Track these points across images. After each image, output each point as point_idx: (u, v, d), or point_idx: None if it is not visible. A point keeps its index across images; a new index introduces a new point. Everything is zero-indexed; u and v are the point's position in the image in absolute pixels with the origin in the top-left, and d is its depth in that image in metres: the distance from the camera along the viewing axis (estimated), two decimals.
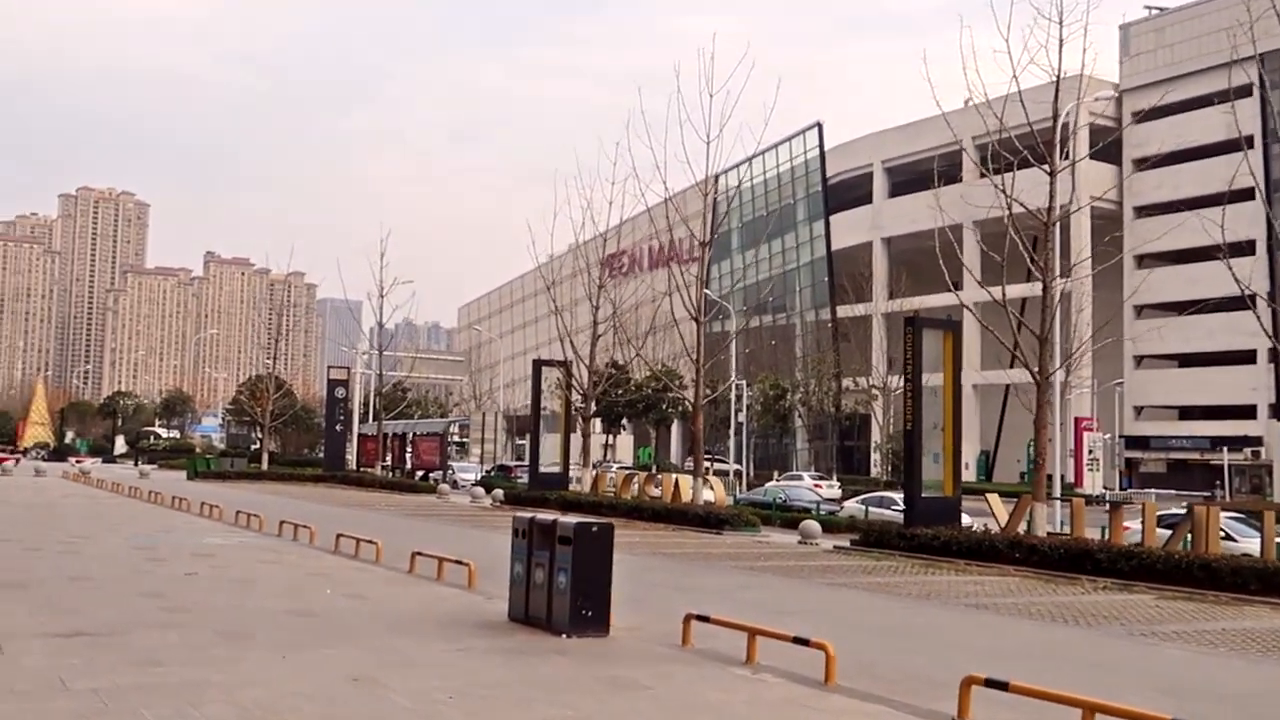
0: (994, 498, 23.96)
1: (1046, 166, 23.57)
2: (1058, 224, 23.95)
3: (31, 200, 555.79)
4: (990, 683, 7.93)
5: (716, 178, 31.89)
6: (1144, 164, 64.29)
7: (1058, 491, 57.84)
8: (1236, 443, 67.19)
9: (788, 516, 34.51)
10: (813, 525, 27.07)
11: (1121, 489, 64.31)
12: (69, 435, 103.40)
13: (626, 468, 61.64)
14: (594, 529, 11.45)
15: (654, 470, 64.77)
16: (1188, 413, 75.32)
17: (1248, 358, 70.13)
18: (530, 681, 9.06)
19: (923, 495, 23.76)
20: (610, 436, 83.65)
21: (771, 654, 10.13)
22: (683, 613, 13.12)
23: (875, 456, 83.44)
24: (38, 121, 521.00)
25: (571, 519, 11.85)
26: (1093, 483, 63.98)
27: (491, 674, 9.31)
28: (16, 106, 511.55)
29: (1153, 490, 62.67)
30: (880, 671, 10.08)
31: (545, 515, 12.24)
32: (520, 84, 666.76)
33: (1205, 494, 59.39)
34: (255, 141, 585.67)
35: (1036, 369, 22.45)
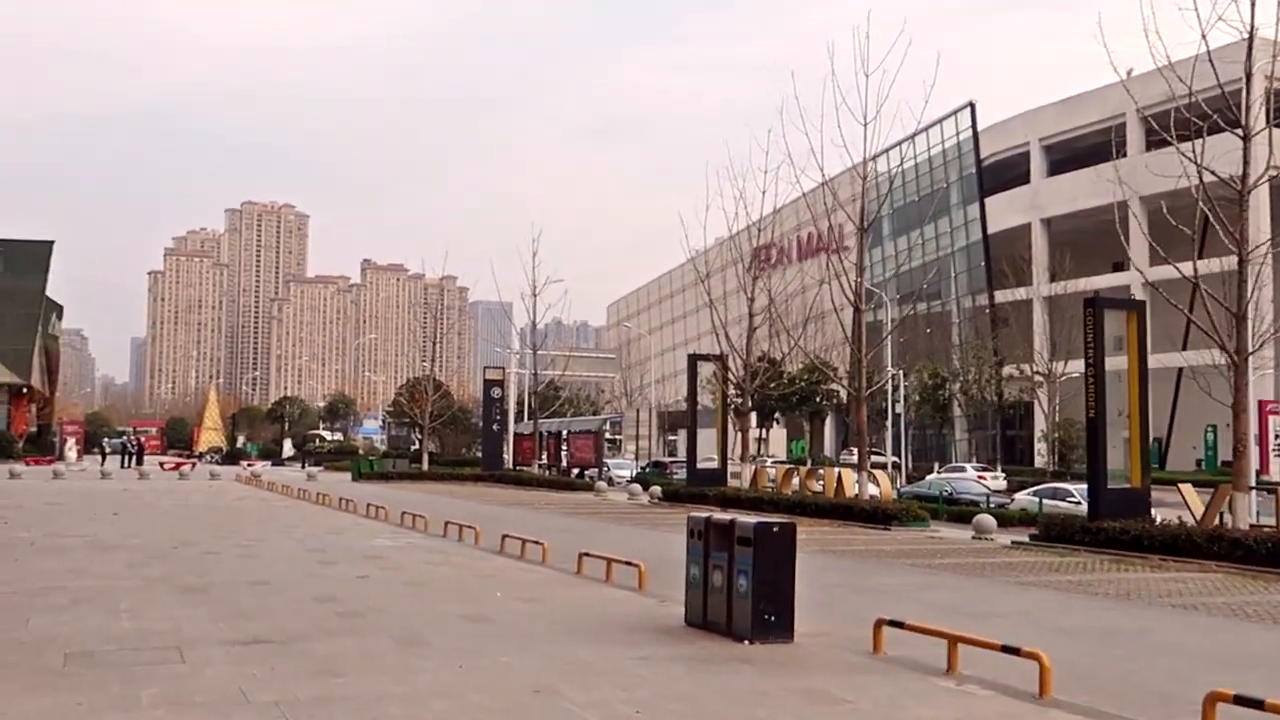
0: (1187, 488, 22.43)
1: (1234, 132, 21.93)
2: (1249, 194, 22.19)
3: (201, 215, 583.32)
4: (1241, 700, 7.04)
5: (866, 164, 30.75)
6: None
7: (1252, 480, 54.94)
8: None
9: (955, 510, 33.28)
10: (987, 520, 25.91)
11: None
12: (240, 439, 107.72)
13: (781, 462, 60.75)
14: (775, 529, 10.87)
15: (809, 464, 63.74)
16: None
17: None
18: (718, 693, 8.54)
19: (1108, 486, 22.42)
20: (763, 431, 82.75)
21: (972, 662, 9.39)
22: (868, 616, 12.44)
23: (1039, 446, 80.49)
24: (202, 140, 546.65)
25: (750, 518, 11.28)
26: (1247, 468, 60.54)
27: (676, 685, 8.82)
28: (180, 125, 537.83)
29: None
30: (1098, 683, 9.23)
31: (722, 515, 11.71)
32: (665, 79, 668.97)
33: None
34: (404, 150, 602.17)
35: (1234, 348, 20.88)
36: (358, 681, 8.69)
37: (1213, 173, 21.94)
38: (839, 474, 31.96)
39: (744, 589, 10.79)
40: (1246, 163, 20.92)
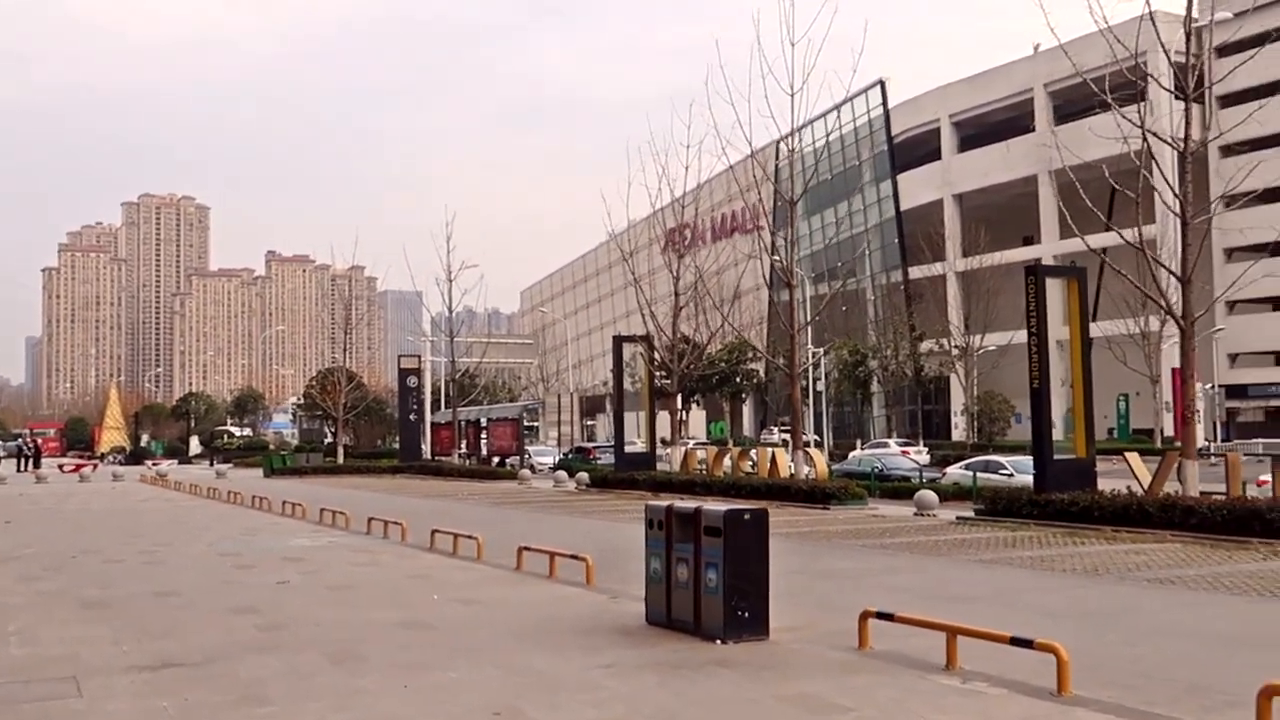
0: (1134, 457, 22.03)
1: (1175, 94, 21.55)
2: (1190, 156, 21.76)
3: (96, 209, 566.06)
4: None
5: (795, 134, 29.99)
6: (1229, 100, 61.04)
7: (1159, 445, 55.50)
8: None
9: (887, 487, 32.74)
10: (929, 496, 25.34)
11: (1224, 440, 61.43)
12: (144, 438, 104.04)
13: (702, 443, 59.98)
14: (746, 516, 9.90)
15: (730, 445, 63.16)
16: None
17: None
18: (701, 705, 7.54)
19: (1055, 458, 21.94)
20: (683, 412, 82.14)
21: (971, 655, 8.54)
22: (840, 605, 11.63)
23: (957, 420, 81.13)
24: (98, 133, 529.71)
25: (719, 506, 10.30)
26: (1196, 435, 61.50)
27: (652, 697, 7.79)
28: (76, 120, 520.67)
29: (1258, 440, 59.80)
30: (1111, 674, 8.42)
31: (685, 503, 10.71)
32: (580, 65, 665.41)
33: None
34: (310, 141, 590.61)
35: (1180, 314, 20.46)
36: (289, 710, 7.53)
37: (1155, 135, 21.50)
38: (773, 454, 31.19)
39: (714, 583, 9.80)
40: (1189, 123, 20.48)
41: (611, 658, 9.12)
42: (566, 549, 15.13)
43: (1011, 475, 32.41)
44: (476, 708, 7.52)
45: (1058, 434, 70.38)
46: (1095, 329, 73.82)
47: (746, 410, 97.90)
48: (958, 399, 79.51)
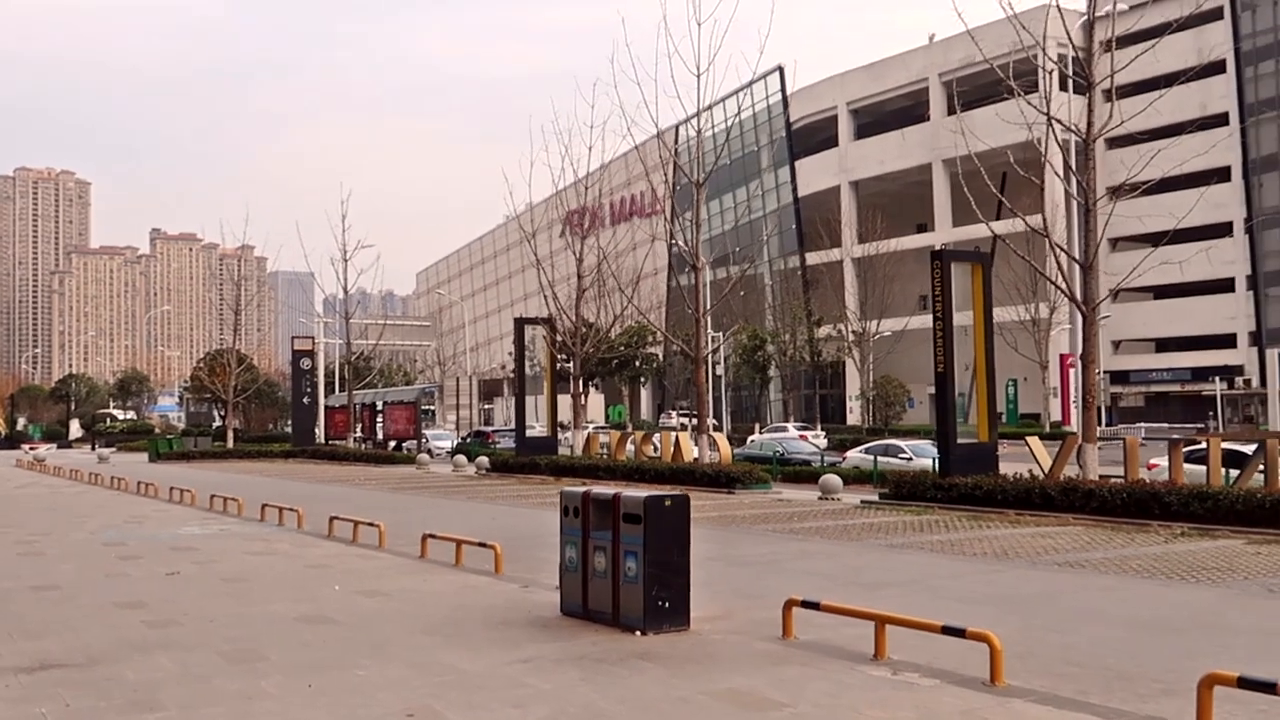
0: (1035, 441, 22.26)
1: (1078, 78, 21.80)
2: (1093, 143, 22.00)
3: None
4: (1247, 683, 6.10)
5: (701, 114, 29.72)
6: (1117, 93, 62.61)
7: (1047, 429, 56.80)
8: (1215, 372, 66.31)
9: (788, 471, 32.82)
10: (834, 480, 25.39)
11: (1107, 424, 63.21)
12: (20, 422, 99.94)
13: (601, 427, 59.69)
14: (667, 503, 9.55)
15: (629, 429, 62.95)
16: (1165, 345, 74.46)
17: (1225, 286, 69.19)
18: (629, 704, 7.17)
19: (958, 442, 22.09)
20: (583, 396, 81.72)
21: (898, 644, 8.34)
22: (756, 593, 11.41)
23: (851, 404, 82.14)
24: None
25: (638, 492, 9.92)
26: (1078, 421, 63.08)
27: (576, 695, 7.40)
28: None
29: (1141, 425, 61.66)
30: (1041, 662, 8.27)
31: (602, 489, 10.32)
32: (469, 44, 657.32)
33: (1197, 425, 58.44)
34: (195, 115, 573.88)
35: (1081, 298, 20.70)
36: (184, 717, 6.96)
37: (1062, 123, 21.71)
38: (676, 438, 30.99)
39: (633, 572, 9.44)
40: (1091, 110, 20.68)
41: (529, 652, 8.70)
42: (472, 536, 14.67)
43: (910, 459, 32.74)
44: (389, 710, 7.05)
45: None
46: (995, 314, 75.52)
47: (645, 394, 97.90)
48: (853, 384, 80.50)
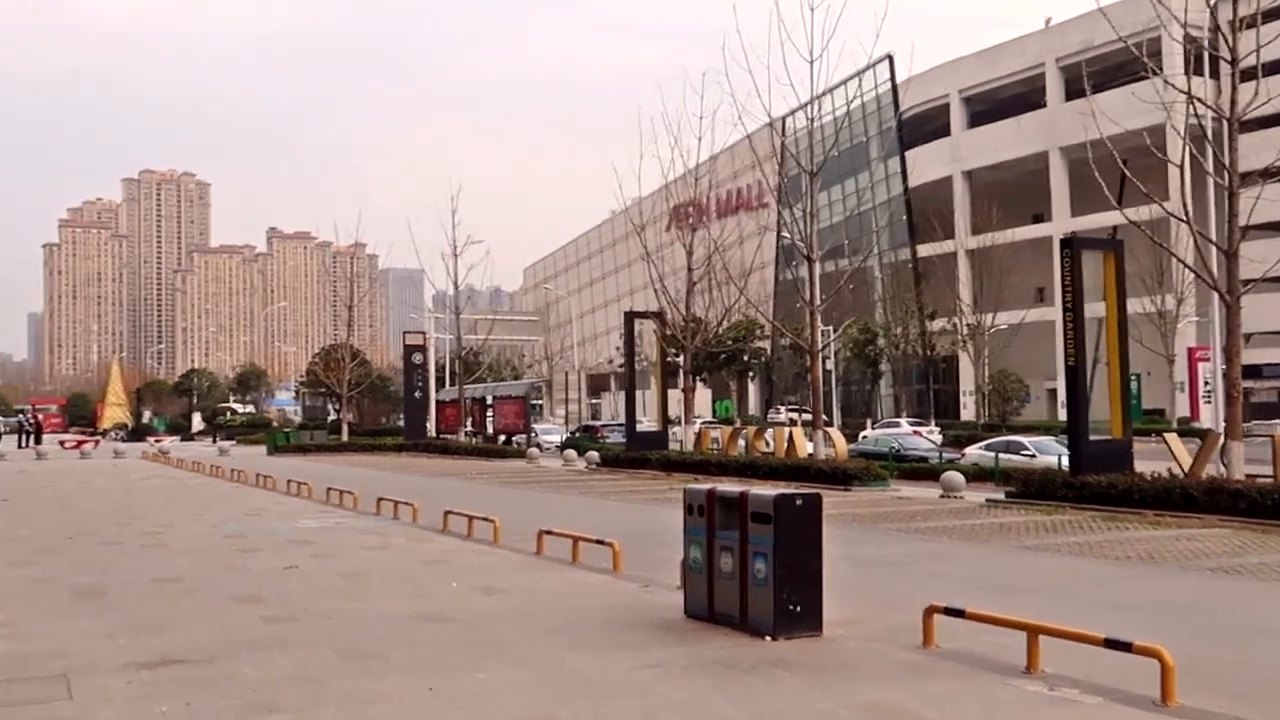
0: (1173, 438, 21.19)
1: (1222, 57, 20.63)
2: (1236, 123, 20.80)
3: (96, 186, 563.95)
4: None
5: (814, 102, 29.05)
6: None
7: (1173, 425, 54.59)
8: None
9: (905, 467, 31.98)
10: (957, 478, 24.53)
11: (1248, 420, 60.36)
12: (146, 415, 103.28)
13: (709, 422, 59.18)
14: (798, 502, 9.06)
15: (736, 424, 62.26)
16: None
17: None
18: (767, 717, 6.71)
19: (1090, 439, 21.10)
20: (670, 392, 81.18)
21: (1049, 656, 7.73)
22: (890, 596, 10.86)
23: (965, 399, 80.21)
24: (98, 109, 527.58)
25: (767, 490, 9.45)
26: (1210, 416, 60.42)
27: (710, 706, 6.97)
28: (77, 96, 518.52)
29: (1276, 421, 58.88)
30: (1215, 680, 7.59)
31: (728, 487, 9.87)
32: (577, 42, 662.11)
33: None
34: (309, 116, 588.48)
35: (1225, 288, 19.57)
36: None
37: (1200, 101, 20.57)
38: (790, 433, 30.35)
39: (762, 574, 8.97)
40: (1235, 89, 19.52)
41: (656, 656, 8.30)
42: (587, 532, 14.36)
43: (1034, 456, 31.66)
44: (514, 718, 6.71)
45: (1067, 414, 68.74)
46: (1101, 309, 73.00)
47: (752, 389, 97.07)
48: (967, 378, 78.64)
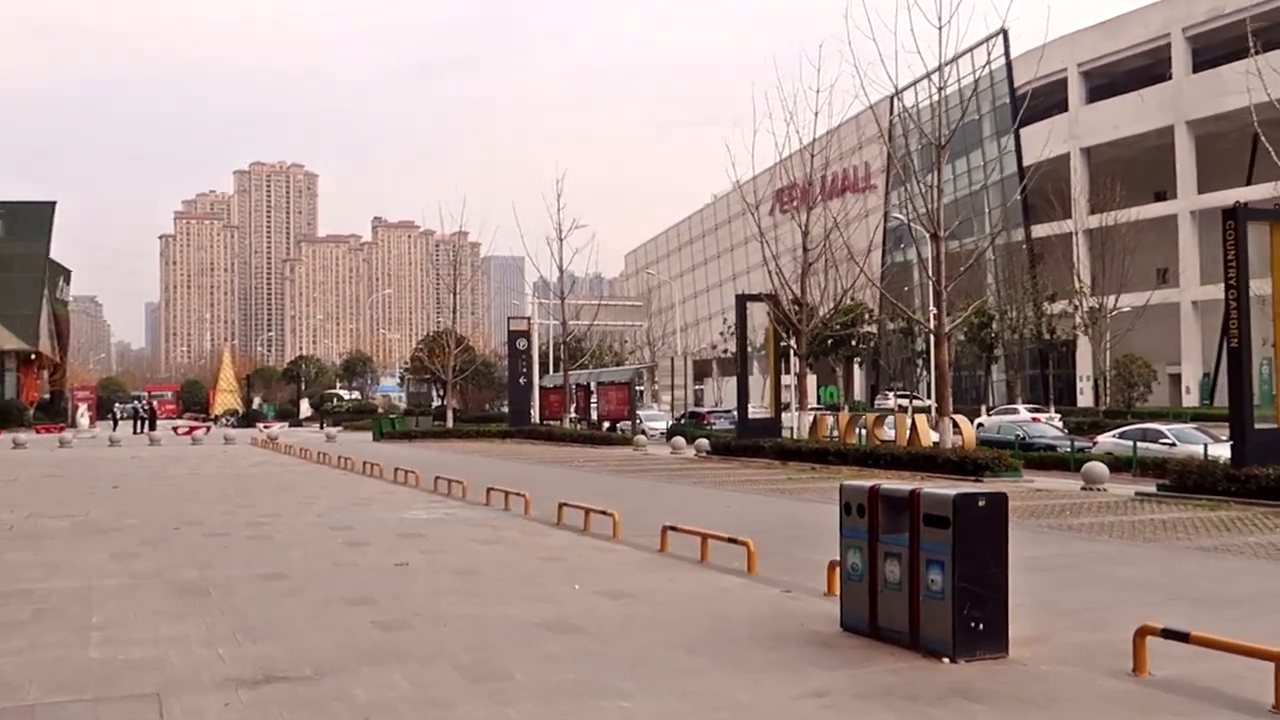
0: None
1: None
2: None
3: (210, 178, 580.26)
4: None
5: (942, 69, 27.48)
6: None
7: None
8: None
9: (1032, 456, 30.26)
10: (1099, 468, 22.88)
11: None
12: (256, 401, 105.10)
13: (815, 408, 57.65)
14: (981, 503, 7.85)
15: (843, 409, 60.60)
16: None
17: None
18: None
19: (1256, 428, 19.35)
20: (783, 377, 79.61)
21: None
22: (1066, 606, 9.60)
23: (1082, 385, 77.19)
24: (208, 103, 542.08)
25: (943, 489, 8.24)
26: None
27: None
28: (188, 91, 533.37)
29: None
30: None
31: (895, 484, 8.67)
32: (676, 27, 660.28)
33: None
34: (409, 108, 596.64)
35: None
36: None
37: None
38: (913, 420, 28.92)
39: (938, 586, 7.79)
40: None
41: (819, 682, 7.18)
42: (711, 527, 13.36)
43: (1174, 445, 29.72)
44: None
45: (1192, 400, 65.71)
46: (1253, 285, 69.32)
47: (857, 374, 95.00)
48: (1084, 363, 75.64)
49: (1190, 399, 71.40)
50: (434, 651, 8.15)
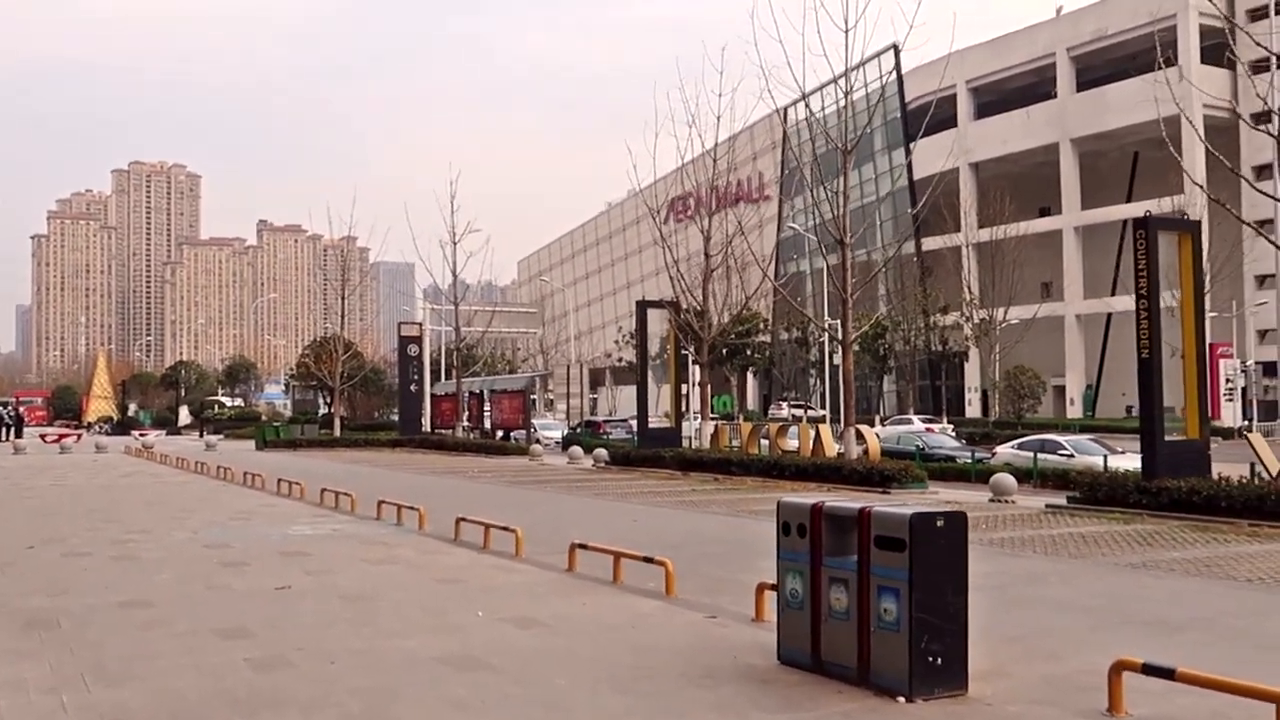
0: (1258, 439, 19.32)
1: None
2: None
3: (85, 177, 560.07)
4: None
5: (848, 75, 27.11)
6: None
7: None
8: None
9: (933, 468, 30.05)
10: (1008, 480, 22.56)
11: (1260, 420, 58.67)
12: (132, 408, 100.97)
13: (712, 417, 57.17)
14: (939, 523, 7.07)
15: (738, 420, 60.34)
16: None
17: None
18: None
19: (1166, 439, 19.16)
20: (682, 386, 79.22)
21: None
22: (1007, 631, 8.90)
23: (971, 396, 78.33)
24: (83, 102, 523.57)
25: (896, 508, 7.43)
26: (1231, 415, 58.61)
27: None
28: (63, 89, 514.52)
29: None
30: None
31: (841, 501, 7.85)
32: (570, 39, 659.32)
33: None
34: (299, 111, 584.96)
35: None
36: None
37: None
38: (817, 430, 28.42)
39: (892, 617, 6.98)
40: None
41: None
42: (616, 541, 12.59)
43: (1072, 456, 29.81)
44: None
45: (1075, 412, 66.78)
46: (1106, 305, 70.77)
47: (750, 384, 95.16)
48: (972, 374, 76.78)
49: (1074, 410, 72.98)
50: (318, 696, 7.06)
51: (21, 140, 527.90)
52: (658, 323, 38.66)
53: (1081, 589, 11.52)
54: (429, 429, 54.34)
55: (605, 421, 55.30)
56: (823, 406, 67.94)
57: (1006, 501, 21.61)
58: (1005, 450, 33.02)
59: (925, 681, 6.90)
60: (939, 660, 6.94)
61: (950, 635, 6.99)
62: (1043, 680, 7.41)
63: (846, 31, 25.50)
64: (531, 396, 72.08)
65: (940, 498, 22.97)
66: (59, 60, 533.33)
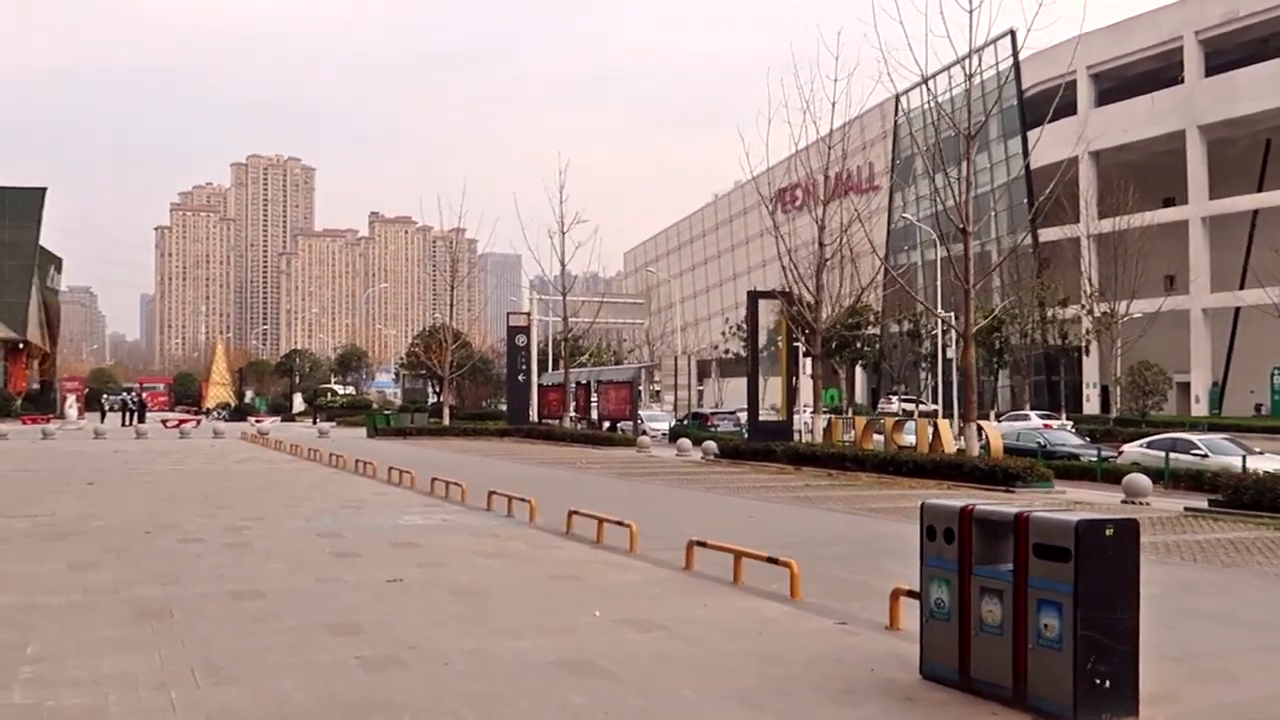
0: None
1: None
2: None
3: (205, 170, 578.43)
4: None
5: (971, 56, 26.10)
6: None
7: None
8: None
9: (1056, 466, 28.80)
10: (1143, 480, 21.44)
11: None
12: (248, 394, 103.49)
13: (827, 410, 56.13)
14: (1108, 532, 6.39)
15: (848, 413, 59.14)
16: None
17: None
18: None
19: None
20: (802, 378, 78.16)
21: None
22: (1175, 651, 8.15)
23: (1089, 392, 75.80)
24: (207, 96, 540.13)
25: (1059, 513, 6.75)
26: None
27: None
28: (187, 84, 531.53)
29: None
30: None
31: (993, 505, 7.22)
32: (675, 29, 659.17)
33: None
34: (409, 103, 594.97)
35: None
36: None
37: None
38: (935, 425, 27.47)
39: (1054, 633, 6.34)
40: None
41: None
42: (733, 538, 12.10)
43: (1206, 456, 28.34)
44: None
45: (1201, 410, 64.24)
46: (1235, 299, 67.81)
47: (859, 378, 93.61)
48: (1091, 370, 74.26)
49: (1200, 408, 70.11)
50: (431, 702, 6.68)
51: (148, 135, 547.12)
52: (767, 314, 37.91)
53: (1242, 601, 10.66)
54: (536, 419, 54.40)
55: (713, 414, 54.68)
56: (934, 401, 66.42)
57: (1141, 503, 20.52)
58: (1133, 449, 31.60)
59: (1091, 706, 6.23)
60: (1107, 683, 6.27)
61: (1119, 655, 6.31)
62: (1220, 708, 6.71)
63: (971, 11, 24.53)
64: (638, 388, 71.87)
65: (1068, 498, 21.96)
66: (185, 60, 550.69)
